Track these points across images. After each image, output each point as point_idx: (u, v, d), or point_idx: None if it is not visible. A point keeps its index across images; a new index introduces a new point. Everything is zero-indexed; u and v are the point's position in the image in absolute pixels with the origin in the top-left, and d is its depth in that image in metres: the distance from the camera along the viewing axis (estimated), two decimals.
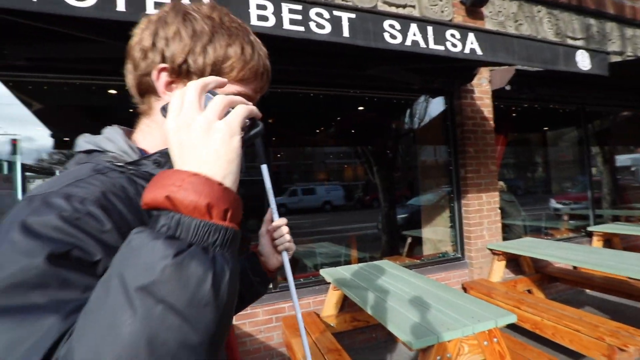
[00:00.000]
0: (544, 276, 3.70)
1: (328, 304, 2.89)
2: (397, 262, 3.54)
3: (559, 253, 3.09)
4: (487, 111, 3.70)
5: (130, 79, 0.56)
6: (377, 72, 2.66)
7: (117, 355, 0.28)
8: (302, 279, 3.06)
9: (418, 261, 3.63)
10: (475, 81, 3.56)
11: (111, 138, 0.55)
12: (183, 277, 0.31)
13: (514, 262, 3.75)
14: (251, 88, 0.57)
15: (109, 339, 0.29)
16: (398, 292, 2.33)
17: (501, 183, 4.37)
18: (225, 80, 0.45)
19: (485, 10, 3.75)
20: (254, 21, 1.40)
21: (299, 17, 1.49)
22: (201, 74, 0.52)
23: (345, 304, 2.95)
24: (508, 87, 3.66)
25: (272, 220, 0.80)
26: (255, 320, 2.76)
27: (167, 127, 0.39)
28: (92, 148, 0.54)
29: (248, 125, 0.44)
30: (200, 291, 0.31)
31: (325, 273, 2.87)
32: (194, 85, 0.41)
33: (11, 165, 3.10)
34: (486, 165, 3.64)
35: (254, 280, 0.81)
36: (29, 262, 0.35)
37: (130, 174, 0.51)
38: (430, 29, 1.76)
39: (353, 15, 1.60)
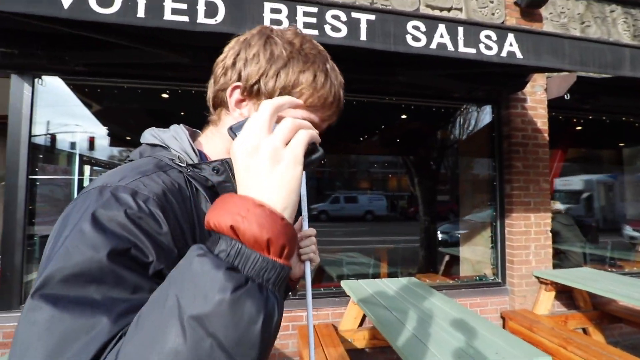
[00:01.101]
0: (603, 314, 3.19)
1: (347, 318, 2.78)
2: (427, 281, 3.31)
3: (626, 290, 2.63)
4: (541, 122, 3.32)
5: (209, 92, 0.60)
6: (407, 79, 2.53)
7: None
8: (322, 289, 2.99)
9: (451, 282, 3.36)
10: (528, 89, 3.23)
11: (177, 137, 0.59)
12: (237, 315, 0.31)
13: (567, 295, 3.29)
14: (319, 116, 0.57)
15: (156, 359, 0.29)
16: (419, 314, 2.15)
17: (558, 204, 3.89)
18: (299, 101, 0.48)
19: (544, 11, 3.41)
20: (267, 21, 1.40)
21: (314, 20, 1.46)
22: (270, 96, 0.54)
23: (366, 320, 2.82)
24: (567, 97, 3.26)
25: (301, 229, 0.79)
26: None
27: (235, 148, 0.39)
28: (157, 143, 0.58)
29: (308, 150, 0.42)
30: (250, 332, 0.31)
31: (346, 285, 2.77)
32: (268, 106, 0.40)
33: (71, 157, 3.49)
34: (536, 182, 3.26)
35: None
36: (93, 254, 0.37)
37: (189, 175, 0.54)
38: (460, 29, 1.61)
39: (372, 17, 1.52)
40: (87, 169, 3.83)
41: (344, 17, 1.48)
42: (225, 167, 0.57)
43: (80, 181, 3.43)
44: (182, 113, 5.06)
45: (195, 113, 4.53)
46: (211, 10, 1.36)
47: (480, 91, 3.09)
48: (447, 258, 4.42)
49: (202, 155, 0.61)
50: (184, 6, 1.34)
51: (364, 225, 11.72)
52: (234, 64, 0.56)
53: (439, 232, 5.24)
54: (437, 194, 5.70)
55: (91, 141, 3.98)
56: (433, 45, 1.57)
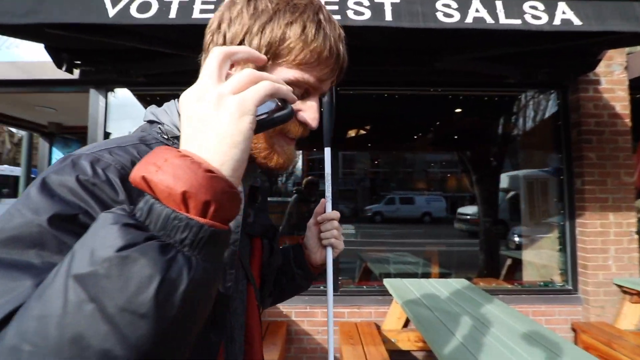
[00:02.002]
0: None
1: (390, 317, 2.68)
2: (481, 284, 3.04)
3: None
4: (621, 106, 2.86)
5: (202, 62, 0.54)
6: (450, 65, 2.36)
7: (38, 349, 0.25)
8: (364, 286, 2.93)
9: (510, 286, 3.04)
10: (601, 69, 2.81)
11: (167, 110, 0.57)
12: (123, 276, 0.26)
13: None
14: (314, 75, 0.50)
15: (37, 327, 0.26)
16: (469, 320, 1.98)
17: None
18: (259, 55, 0.41)
19: None
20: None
21: (335, 7, 1.45)
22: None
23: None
24: None
25: (324, 211, 0.77)
26: (314, 320, 2.76)
27: (181, 97, 0.35)
28: (152, 119, 0.56)
29: (275, 108, 0.38)
30: (138, 298, 0.26)
31: (388, 283, 2.66)
32: (216, 52, 0.36)
33: None
34: (616, 175, 2.81)
35: (295, 273, 0.79)
36: (33, 218, 0.34)
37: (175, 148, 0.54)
38: (499, 3, 1.46)
39: (397, 0, 1.46)
40: None
41: (366, 2, 1.45)
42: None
43: None
44: None
45: None
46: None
47: (540, 74, 2.76)
48: (509, 262, 4.02)
49: None
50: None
51: (420, 227, 11.22)
52: (218, 26, 0.52)
53: (514, 236, 4.64)
54: (498, 193, 5.22)
55: None
56: (468, 20, 1.45)
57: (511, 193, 5.28)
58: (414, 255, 4.12)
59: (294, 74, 0.50)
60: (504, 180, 5.30)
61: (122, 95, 3.05)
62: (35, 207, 0.35)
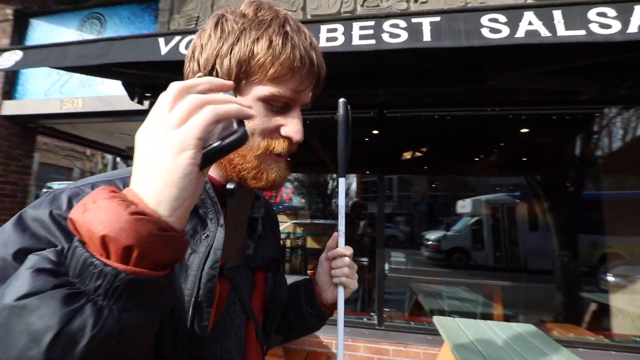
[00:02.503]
0: None
1: None
2: (555, 333, 2.59)
3: None
4: None
5: None
6: (504, 83, 2.15)
7: None
8: (412, 322, 2.69)
9: (593, 338, 2.54)
10: None
11: None
12: (18, 327, 0.25)
13: None
14: (290, 87, 0.50)
15: None
16: None
17: None
18: (222, 82, 0.37)
19: None
20: (322, 43, 1.44)
21: (370, 32, 1.42)
22: (229, 77, 0.49)
23: None
24: None
25: (336, 246, 0.72)
26: (355, 355, 2.59)
27: (136, 134, 0.34)
28: None
29: (226, 134, 0.35)
30: (29, 352, 0.24)
31: (438, 321, 2.41)
32: (172, 88, 0.34)
33: None
34: None
35: (305, 311, 0.75)
36: (1, 252, 0.36)
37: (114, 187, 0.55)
38: (557, 13, 1.29)
39: (437, 19, 1.38)
40: None
41: (403, 24, 1.39)
42: None
43: None
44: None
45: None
46: None
47: (622, 89, 2.39)
48: (592, 307, 3.40)
49: None
50: None
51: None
52: (192, 54, 0.53)
53: (605, 275, 3.81)
54: (576, 222, 4.54)
55: None
56: (519, 34, 1.30)
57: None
58: (472, 290, 3.71)
59: (268, 89, 0.49)
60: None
61: None
62: (6, 240, 0.36)
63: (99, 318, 0.27)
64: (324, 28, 1.45)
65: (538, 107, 2.69)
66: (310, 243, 7.01)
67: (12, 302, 0.25)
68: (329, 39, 1.43)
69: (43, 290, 0.26)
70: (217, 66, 0.50)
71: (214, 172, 0.56)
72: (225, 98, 0.35)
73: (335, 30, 1.44)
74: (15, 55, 1.81)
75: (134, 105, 2.98)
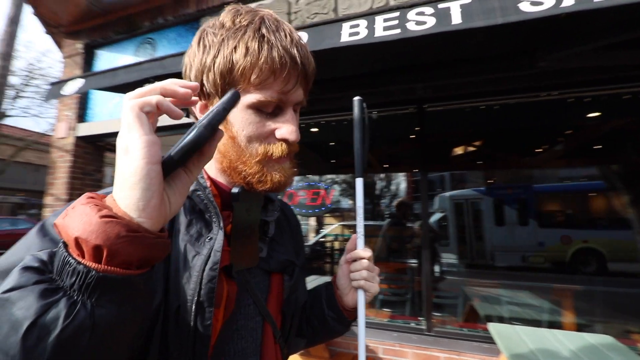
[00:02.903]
0: None
1: None
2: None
3: None
4: None
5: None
6: (558, 63, 1.90)
7: None
8: (466, 329, 2.50)
9: None
10: None
11: None
12: (1, 318, 0.29)
13: None
14: (276, 90, 0.50)
15: None
16: None
17: None
18: (175, 88, 0.37)
19: None
20: (344, 38, 1.40)
21: (395, 22, 1.35)
22: (217, 90, 0.50)
23: None
24: None
25: (354, 248, 0.71)
26: None
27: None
28: None
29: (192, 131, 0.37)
30: (9, 339, 0.28)
31: (494, 329, 2.20)
32: (132, 105, 0.35)
33: None
34: None
35: (327, 315, 0.74)
36: (24, 255, 0.38)
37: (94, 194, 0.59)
38: None
39: (467, 0, 1.27)
40: None
41: (429, 11, 1.30)
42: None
43: None
44: (332, 143, 5.59)
45: (336, 141, 4.92)
46: None
47: None
48: None
49: None
50: None
51: None
52: (184, 72, 0.54)
53: None
54: None
55: None
56: (567, 2, 1.15)
57: None
58: (536, 295, 3.32)
59: (255, 96, 0.50)
60: None
61: None
62: (30, 244, 0.41)
63: (72, 311, 0.29)
64: (345, 25, 1.42)
65: (604, 87, 2.35)
66: None
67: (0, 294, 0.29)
68: (351, 34, 1.39)
69: (25, 285, 0.29)
70: (204, 81, 0.51)
71: (221, 178, 0.58)
72: (157, 101, 0.36)
73: (357, 25, 1.40)
74: (77, 83, 2.05)
75: (171, 121, 3.20)
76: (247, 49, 0.48)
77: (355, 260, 0.69)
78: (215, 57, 0.49)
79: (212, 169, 0.59)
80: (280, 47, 0.48)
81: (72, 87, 2.07)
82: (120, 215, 0.32)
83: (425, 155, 2.70)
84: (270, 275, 0.64)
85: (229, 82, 0.49)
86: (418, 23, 1.30)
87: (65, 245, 0.32)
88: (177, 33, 3.74)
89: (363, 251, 0.69)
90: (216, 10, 3.49)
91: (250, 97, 0.50)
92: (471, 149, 5.77)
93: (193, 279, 0.49)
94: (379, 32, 1.34)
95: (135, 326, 0.35)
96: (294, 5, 3.16)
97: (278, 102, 0.51)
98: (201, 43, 0.51)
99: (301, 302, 0.71)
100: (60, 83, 2.14)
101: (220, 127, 0.43)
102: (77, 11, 3.95)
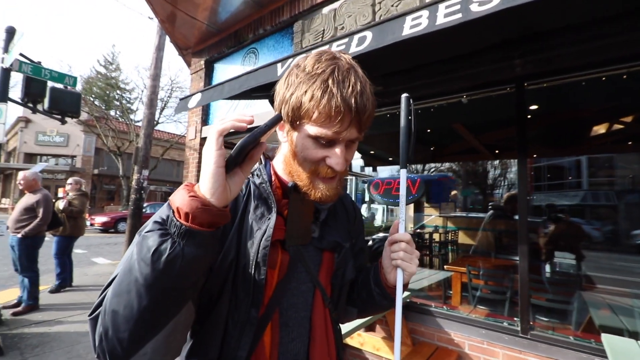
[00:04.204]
0: None
1: None
2: None
3: None
4: None
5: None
6: None
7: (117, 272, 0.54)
8: (571, 337, 2.18)
9: None
10: None
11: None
12: (143, 244, 0.52)
13: None
14: (331, 129, 0.63)
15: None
16: None
17: None
18: (235, 123, 0.55)
19: None
20: (406, 31, 1.42)
21: (457, 7, 1.30)
22: (288, 118, 0.67)
23: None
24: None
25: (397, 231, 0.80)
26: None
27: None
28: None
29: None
30: (146, 255, 0.50)
31: (608, 342, 1.87)
32: (212, 132, 0.55)
33: None
34: None
35: (373, 289, 0.86)
36: (161, 215, 0.58)
37: (251, 181, 0.78)
38: None
39: None
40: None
41: None
42: (261, 172, 0.76)
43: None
44: (429, 130, 5.34)
45: (434, 128, 4.70)
46: (362, 41, 1.58)
47: None
48: None
49: (266, 165, 0.80)
50: (342, 47, 1.64)
51: None
52: (275, 94, 0.71)
53: None
54: None
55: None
56: None
57: None
58: None
59: (314, 130, 0.64)
60: None
61: None
62: (162, 210, 0.61)
63: (172, 246, 0.51)
64: (408, 18, 1.44)
65: None
66: (463, 238, 6.48)
67: (142, 234, 0.54)
68: (412, 26, 1.41)
69: (153, 230, 0.53)
70: (282, 109, 0.67)
71: (285, 176, 0.76)
72: (230, 125, 0.55)
73: (420, 17, 1.40)
74: (197, 97, 2.58)
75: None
76: (312, 95, 0.62)
77: (395, 242, 0.78)
78: (292, 94, 0.65)
79: (280, 169, 0.77)
80: (339, 98, 0.61)
81: (194, 101, 2.61)
82: (200, 196, 0.53)
83: (524, 139, 2.41)
84: (323, 252, 0.80)
85: (297, 116, 0.65)
86: (481, 4, 1.23)
87: (173, 211, 0.54)
88: (275, 40, 4.17)
89: (402, 235, 0.78)
90: (306, 14, 3.76)
91: (310, 129, 0.64)
92: (618, 126, 4.68)
93: (254, 246, 0.68)
94: (440, 20, 1.32)
95: (206, 262, 0.56)
96: None
97: (332, 138, 0.64)
98: (287, 80, 0.67)
99: (348, 278, 0.84)
100: (186, 98, 2.72)
101: (284, 142, 0.68)
102: (200, 33, 4.80)
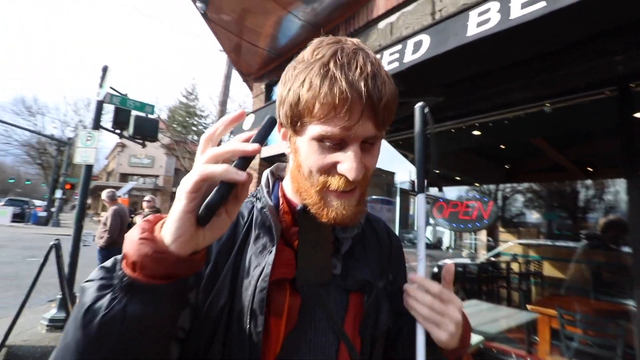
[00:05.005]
0: None
1: None
2: None
3: None
4: None
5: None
6: None
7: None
8: None
9: None
10: None
11: (266, 174, 0.67)
12: (80, 299, 0.41)
13: None
14: (338, 125, 0.49)
15: None
16: None
17: None
18: (234, 148, 0.41)
19: None
20: (471, 31, 1.20)
21: (497, 16, 1.05)
22: (287, 121, 0.54)
23: None
24: None
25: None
26: None
27: None
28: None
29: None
30: (78, 314, 0.39)
31: None
32: (197, 168, 0.40)
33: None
34: None
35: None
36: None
37: (254, 205, 0.63)
38: None
39: None
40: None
41: None
42: (262, 193, 0.62)
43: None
44: (502, 146, 4.79)
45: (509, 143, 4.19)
46: (418, 47, 1.38)
47: None
48: None
49: (274, 186, 0.65)
50: (395, 55, 1.46)
51: None
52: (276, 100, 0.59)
53: None
54: None
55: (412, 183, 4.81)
56: None
57: None
58: None
59: (318, 130, 0.50)
60: None
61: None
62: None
63: (111, 304, 0.39)
64: (473, 14, 1.21)
65: None
66: (549, 270, 5.55)
67: (83, 283, 0.43)
68: (479, 24, 1.18)
69: (94, 279, 0.42)
70: (280, 112, 0.55)
71: (294, 197, 0.61)
72: (221, 166, 0.39)
73: (487, 10, 1.17)
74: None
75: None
76: (310, 83, 0.49)
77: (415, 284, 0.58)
78: (289, 90, 0.52)
79: (289, 188, 0.62)
80: (343, 82, 0.47)
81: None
82: (157, 238, 0.40)
83: (633, 152, 1.92)
84: (349, 294, 0.62)
85: (297, 114, 0.52)
86: (524, 5, 0.98)
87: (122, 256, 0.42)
88: None
89: (429, 283, 0.57)
90: (362, 30, 3.68)
91: (313, 130, 0.51)
92: None
93: (250, 288, 0.53)
94: (516, 13, 1.07)
95: (159, 323, 0.42)
96: (438, 4, 2.95)
97: (342, 136, 0.50)
98: (284, 76, 0.55)
99: (383, 327, 0.63)
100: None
101: (289, 154, 0.55)
102: (261, 59, 5.04)
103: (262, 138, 0.43)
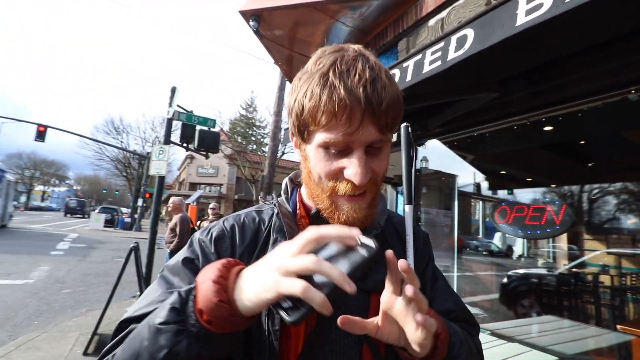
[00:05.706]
0: None
1: None
2: None
3: None
4: None
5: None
6: None
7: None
8: None
9: None
10: None
11: (283, 184, 0.72)
12: (156, 339, 0.43)
13: None
14: (340, 131, 0.51)
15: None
16: None
17: None
18: (347, 234, 0.43)
19: None
20: (520, 20, 1.10)
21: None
22: (295, 130, 0.59)
23: None
24: None
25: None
26: None
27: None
28: (281, 189, 0.72)
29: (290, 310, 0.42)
30: (157, 354, 0.42)
31: None
32: (308, 234, 0.43)
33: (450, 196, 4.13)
34: None
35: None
36: (180, 259, 0.59)
37: (274, 213, 0.67)
38: None
39: None
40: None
41: None
42: (276, 203, 0.66)
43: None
44: (582, 142, 4.24)
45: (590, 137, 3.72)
46: (462, 42, 1.30)
47: None
48: None
49: (293, 193, 0.69)
50: (437, 54, 1.39)
51: None
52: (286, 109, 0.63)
53: None
54: None
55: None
56: None
57: None
58: None
59: (322, 137, 0.53)
60: None
61: (431, 145, 3.46)
62: (183, 251, 0.61)
63: (189, 348, 0.42)
64: (522, 1, 1.11)
65: None
66: None
67: (156, 325, 0.43)
68: (529, 11, 1.07)
69: (169, 322, 0.43)
70: (289, 122, 0.59)
71: (310, 202, 0.65)
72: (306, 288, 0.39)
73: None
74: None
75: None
76: (312, 93, 0.51)
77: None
78: (295, 100, 0.55)
79: (305, 194, 0.66)
80: (342, 90, 0.49)
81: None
82: (231, 301, 0.43)
83: None
84: (369, 295, 0.62)
85: (303, 123, 0.55)
86: (529, 11, 0.87)
87: (193, 301, 0.44)
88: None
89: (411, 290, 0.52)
90: (411, 30, 3.57)
91: (318, 138, 0.54)
92: None
93: None
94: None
95: (221, 354, 0.46)
96: None
97: (346, 142, 0.52)
98: (292, 87, 0.59)
99: None
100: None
101: (301, 161, 0.58)
102: None
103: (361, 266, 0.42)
